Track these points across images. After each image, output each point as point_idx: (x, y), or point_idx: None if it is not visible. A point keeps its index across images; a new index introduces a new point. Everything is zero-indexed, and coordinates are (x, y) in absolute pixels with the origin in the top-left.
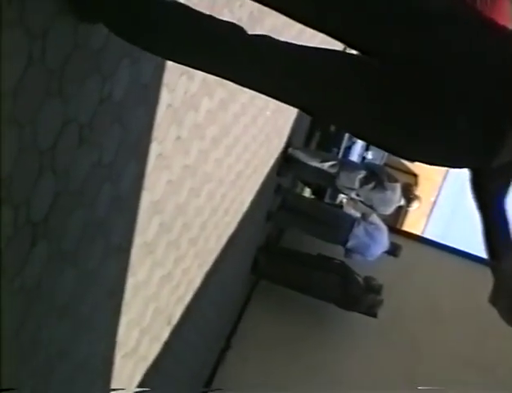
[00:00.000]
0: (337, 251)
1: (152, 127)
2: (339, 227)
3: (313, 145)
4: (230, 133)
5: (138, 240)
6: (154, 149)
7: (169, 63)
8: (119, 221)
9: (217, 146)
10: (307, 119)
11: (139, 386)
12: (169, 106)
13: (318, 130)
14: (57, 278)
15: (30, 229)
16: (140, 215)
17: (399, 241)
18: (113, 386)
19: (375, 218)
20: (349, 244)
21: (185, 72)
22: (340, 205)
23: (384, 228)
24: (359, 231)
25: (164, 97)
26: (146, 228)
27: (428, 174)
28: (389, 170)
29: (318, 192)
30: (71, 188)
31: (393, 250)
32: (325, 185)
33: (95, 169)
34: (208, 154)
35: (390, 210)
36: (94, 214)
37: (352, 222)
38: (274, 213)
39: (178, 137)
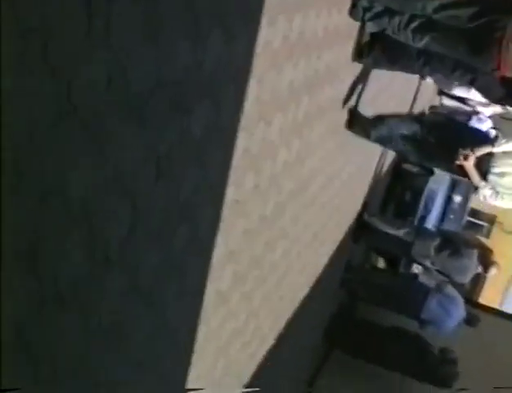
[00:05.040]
0: (411, 321)
1: (229, 170)
2: (411, 300)
3: (389, 214)
4: (307, 189)
5: (211, 287)
6: (231, 194)
7: (248, 107)
8: (195, 264)
9: (293, 201)
10: (383, 186)
11: None
12: (246, 151)
13: (393, 199)
14: (131, 315)
15: (105, 263)
16: (214, 262)
17: (476, 314)
18: None
19: (450, 289)
20: (422, 316)
21: (263, 118)
22: (415, 276)
23: (460, 299)
24: (432, 304)
25: (242, 141)
26: (221, 276)
27: (503, 251)
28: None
29: (392, 262)
30: (147, 222)
31: (470, 320)
32: (399, 253)
33: (172, 205)
34: (285, 208)
35: (467, 279)
36: (170, 253)
37: (426, 294)
38: (347, 284)
39: (256, 186)
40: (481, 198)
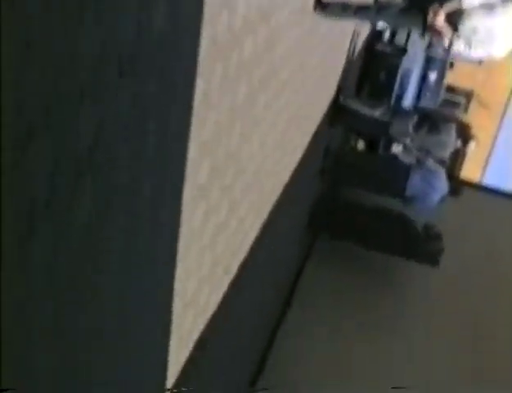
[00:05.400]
0: (394, 200)
1: (196, 63)
2: (394, 180)
3: (364, 96)
4: (278, 75)
5: (190, 182)
6: (200, 86)
7: None
8: (169, 160)
9: (264, 89)
10: (357, 68)
11: (199, 339)
12: (212, 41)
13: (368, 80)
14: (108, 218)
15: (75, 170)
16: (189, 157)
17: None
18: (173, 336)
19: (431, 163)
20: (408, 193)
21: (226, 6)
22: (395, 156)
23: (442, 172)
24: (416, 180)
25: (207, 31)
26: (198, 171)
27: (482, 125)
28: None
29: (371, 144)
30: (114, 122)
31: (454, 190)
32: (377, 134)
33: (138, 102)
34: (256, 96)
35: (447, 153)
36: (142, 151)
37: (408, 171)
38: (327, 170)
39: (225, 76)
40: (455, 52)
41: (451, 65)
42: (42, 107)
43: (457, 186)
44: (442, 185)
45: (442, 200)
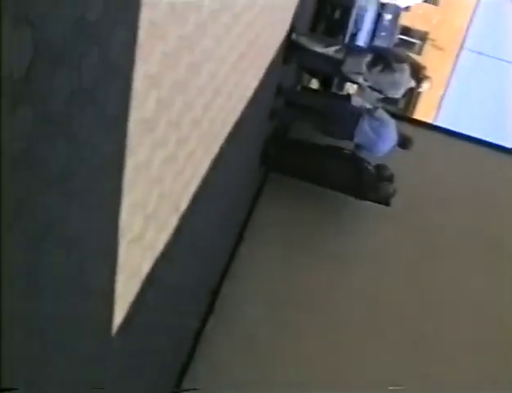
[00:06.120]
0: (347, 143)
1: None
2: (344, 123)
3: (318, 33)
4: (229, 8)
5: (134, 116)
6: (146, 14)
7: None
8: (112, 91)
9: (215, 21)
10: (312, 5)
11: (148, 276)
12: None
13: (323, 17)
14: (47, 145)
15: (11, 93)
16: (134, 89)
17: (411, 130)
18: (119, 274)
19: (380, 113)
20: (356, 140)
21: None
22: (348, 96)
23: (391, 122)
24: (365, 126)
25: None
26: (143, 103)
27: (436, 67)
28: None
29: (325, 83)
30: (52, 44)
31: (404, 143)
32: (331, 72)
33: (79, 26)
34: (206, 28)
35: (400, 93)
36: (82, 79)
37: (358, 117)
38: (278, 109)
39: (173, 6)
40: None
41: (407, 7)
42: None
43: (408, 140)
44: (391, 136)
45: (391, 150)
